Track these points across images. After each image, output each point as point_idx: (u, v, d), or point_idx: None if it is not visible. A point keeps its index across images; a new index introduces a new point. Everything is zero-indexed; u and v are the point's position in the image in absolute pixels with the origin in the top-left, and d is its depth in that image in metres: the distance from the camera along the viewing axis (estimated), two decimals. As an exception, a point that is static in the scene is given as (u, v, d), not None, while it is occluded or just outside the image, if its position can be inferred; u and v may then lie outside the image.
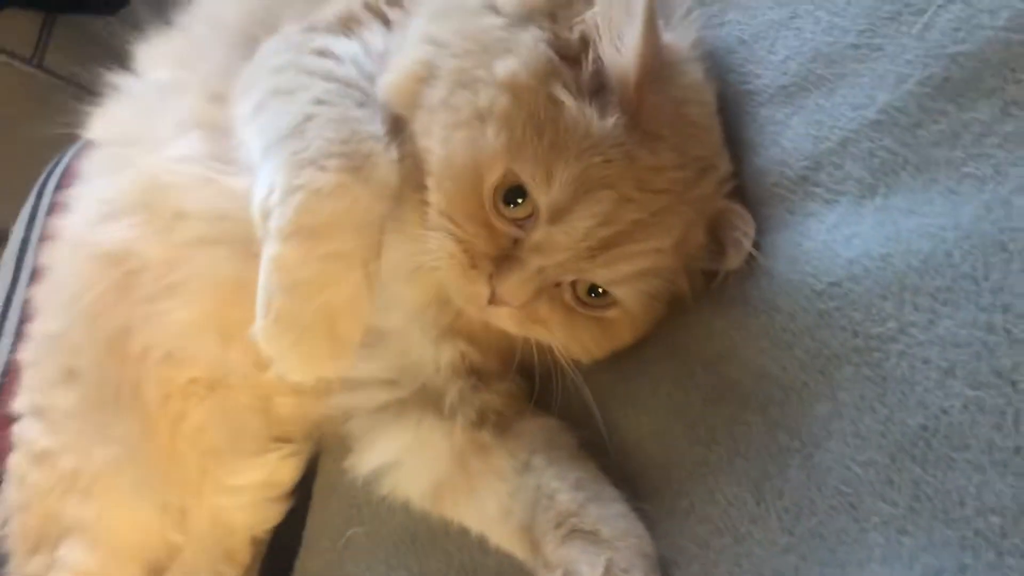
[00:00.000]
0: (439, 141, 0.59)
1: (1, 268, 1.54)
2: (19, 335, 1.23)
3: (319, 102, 0.59)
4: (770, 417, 0.55)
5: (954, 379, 0.48)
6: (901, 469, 0.49)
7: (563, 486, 0.63)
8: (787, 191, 0.59)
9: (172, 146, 0.73)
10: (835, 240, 0.55)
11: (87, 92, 0.85)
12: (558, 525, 0.61)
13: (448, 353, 0.72)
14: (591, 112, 0.57)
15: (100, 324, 0.79)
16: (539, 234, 0.58)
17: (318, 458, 0.85)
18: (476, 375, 0.72)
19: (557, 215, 0.57)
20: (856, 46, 0.57)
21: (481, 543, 0.67)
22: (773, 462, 0.54)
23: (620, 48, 0.57)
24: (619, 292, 0.61)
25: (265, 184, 0.56)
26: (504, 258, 0.59)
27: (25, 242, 1.50)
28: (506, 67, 0.58)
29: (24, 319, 1.21)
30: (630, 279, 0.60)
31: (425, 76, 0.60)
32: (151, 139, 0.76)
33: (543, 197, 0.57)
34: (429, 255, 0.61)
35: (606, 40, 0.57)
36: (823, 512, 0.51)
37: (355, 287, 0.56)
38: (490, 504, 0.66)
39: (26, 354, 0.91)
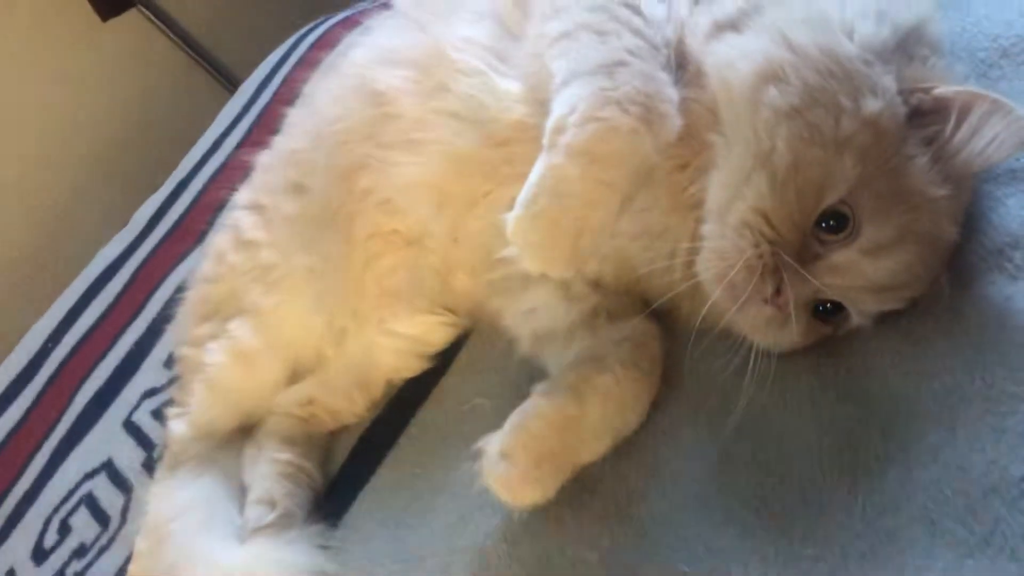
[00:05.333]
0: (787, 147, 0.63)
1: (234, 98, 1.72)
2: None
3: (631, 53, 0.66)
4: (888, 429, 0.63)
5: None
6: (988, 506, 0.56)
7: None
8: (979, 258, 0.66)
9: (464, 27, 0.84)
10: (1008, 307, 0.62)
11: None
12: None
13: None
14: (933, 176, 0.63)
15: (341, 153, 0.91)
16: (842, 257, 0.64)
17: (467, 337, 0.95)
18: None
19: (874, 249, 0.63)
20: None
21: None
22: (877, 464, 0.62)
23: (978, 147, 0.63)
24: (863, 320, 0.67)
25: (567, 104, 0.64)
26: (788, 266, 0.64)
27: (262, 87, 1.66)
28: (873, 107, 0.62)
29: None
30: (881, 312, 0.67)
31: (774, 77, 0.64)
32: (449, 16, 0.86)
33: (869, 230, 0.63)
34: (717, 243, 0.66)
35: (966, 130, 0.63)
36: (905, 519, 0.58)
37: (609, 214, 0.64)
38: None
39: (263, 158, 1.04)
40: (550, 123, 0.65)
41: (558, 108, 0.65)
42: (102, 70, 2.34)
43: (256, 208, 1.01)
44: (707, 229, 0.68)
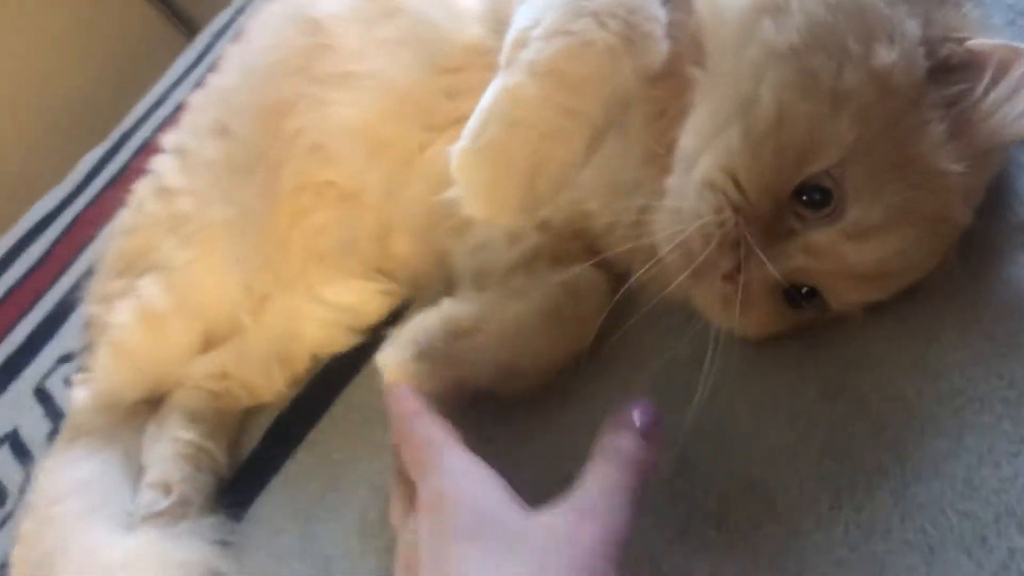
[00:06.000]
0: (773, 96, 0.51)
1: (190, 48, 1.61)
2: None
3: None
4: (883, 436, 0.52)
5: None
6: (1001, 533, 0.45)
7: None
8: (999, 233, 0.55)
9: None
10: (1026, 291, 0.51)
11: None
12: None
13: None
14: (950, 148, 0.51)
15: (269, 88, 0.80)
16: (821, 237, 0.52)
17: (405, 308, 0.84)
18: None
19: (859, 233, 0.51)
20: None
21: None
22: (865, 477, 0.51)
23: (1013, 113, 0.51)
24: (842, 309, 0.56)
25: (531, 15, 0.53)
26: (759, 239, 0.52)
27: (218, 36, 1.55)
28: (886, 58, 0.50)
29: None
30: (864, 302, 0.55)
31: (773, 8, 0.53)
32: None
33: (856, 209, 0.51)
34: (676, 202, 0.55)
35: (1003, 91, 0.51)
36: (896, 543, 0.47)
37: (574, 152, 0.53)
38: None
39: (194, 98, 0.93)
40: (509, 36, 0.53)
41: (521, 19, 0.54)
42: (64, 21, 2.22)
43: (179, 152, 0.90)
44: (670, 182, 0.56)
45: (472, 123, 0.52)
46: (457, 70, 0.69)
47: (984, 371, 0.50)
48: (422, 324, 0.63)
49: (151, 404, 0.88)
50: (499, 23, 0.60)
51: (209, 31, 1.59)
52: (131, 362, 0.86)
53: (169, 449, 0.81)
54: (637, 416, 0.51)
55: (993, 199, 0.56)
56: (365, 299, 0.83)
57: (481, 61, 0.65)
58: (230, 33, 1.50)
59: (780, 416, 0.56)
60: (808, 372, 0.57)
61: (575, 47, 0.51)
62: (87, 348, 0.93)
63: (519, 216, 0.54)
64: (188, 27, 2.33)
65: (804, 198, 0.52)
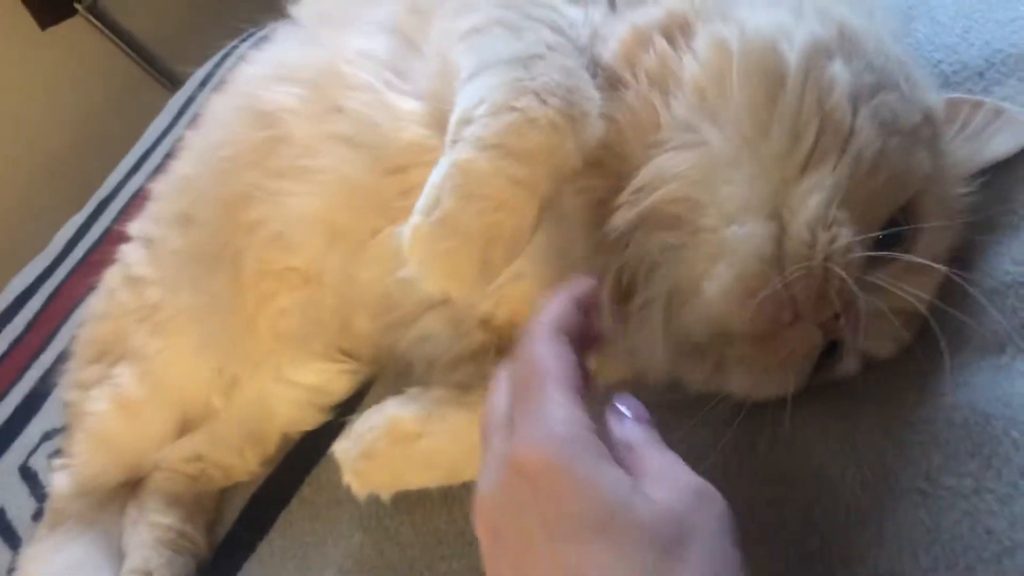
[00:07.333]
0: (874, 130, 0.53)
1: (163, 112, 1.62)
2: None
3: (550, 48, 0.57)
4: (810, 517, 0.54)
5: (1011, 560, 0.46)
6: (921, 625, 0.47)
7: None
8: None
9: (359, 39, 0.75)
10: (945, 380, 0.53)
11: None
12: None
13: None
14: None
15: (228, 181, 0.82)
16: (891, 272, 0.53)
17: (370, 385, 0.86)
18: None
19: (921, 265, 0.53)
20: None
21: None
22: (797, 560, 0.53)
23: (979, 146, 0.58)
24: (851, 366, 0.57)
25: (475, 96, 0.55)
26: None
27: (193, 97, 1.57)
28: (929, 98, 0.58)
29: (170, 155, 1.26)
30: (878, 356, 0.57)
31: (827, 51, 0.55)
32: (346, 28, 0.77)
33: (926, 239, 0.54)
34: (763, 247, 0.51)
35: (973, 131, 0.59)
36: (824, 631, 0.50)
37: (526, 221, 0.54)
38: None
39: (158, 186, 0.95)
40: (454, 117, 0.55)
41: (465, 100, 0.55)
42: (43, 79, 2.24)
43: (145, 240, 0.92)
44: (735, 232, 0.53)
45: (423, 200, 0.53)
46: (403, 169, 0.70)
47: (904, 460, 0.52)
48: (368, 423, 0.67)
49: (130, 486, 0.90)
50: (441, 123, 0.61)
51: (180, 97, 1.60)
52: (108, 449, 0.88)
53: (148, 535, 0.83)
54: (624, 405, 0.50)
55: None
56: (331, 379, 0.86)
57: (424, 159, 0.67)
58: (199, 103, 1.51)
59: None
60: (744, 453, 0.59)
61: (520, 122, 0.53)
62: (66, 430, 0.96)
63: (477, 286, 0.55)
64: (170, 79, 2.35)
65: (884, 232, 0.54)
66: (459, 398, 0.67)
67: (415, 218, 0.53)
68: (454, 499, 0.70)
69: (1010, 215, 0.57)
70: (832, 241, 0.51)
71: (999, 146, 0.58)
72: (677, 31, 0.60)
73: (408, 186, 0.70)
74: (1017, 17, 0.66)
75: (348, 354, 0.86)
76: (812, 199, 0.51)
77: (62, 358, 1.18)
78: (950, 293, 0.56)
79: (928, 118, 0.55)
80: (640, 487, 0.41)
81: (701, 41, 0.58)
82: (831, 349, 0.55)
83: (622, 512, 0.39)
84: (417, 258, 0.53)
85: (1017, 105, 0.60)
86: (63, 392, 0.99)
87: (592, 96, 0.56)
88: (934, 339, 0.55)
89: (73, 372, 0.95)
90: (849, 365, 0.56)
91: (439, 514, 0.70)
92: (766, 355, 0.54)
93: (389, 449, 0.65)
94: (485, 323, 0.71)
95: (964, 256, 0.58)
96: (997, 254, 0.57)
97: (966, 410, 0.51)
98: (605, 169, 0.59)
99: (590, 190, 0.61)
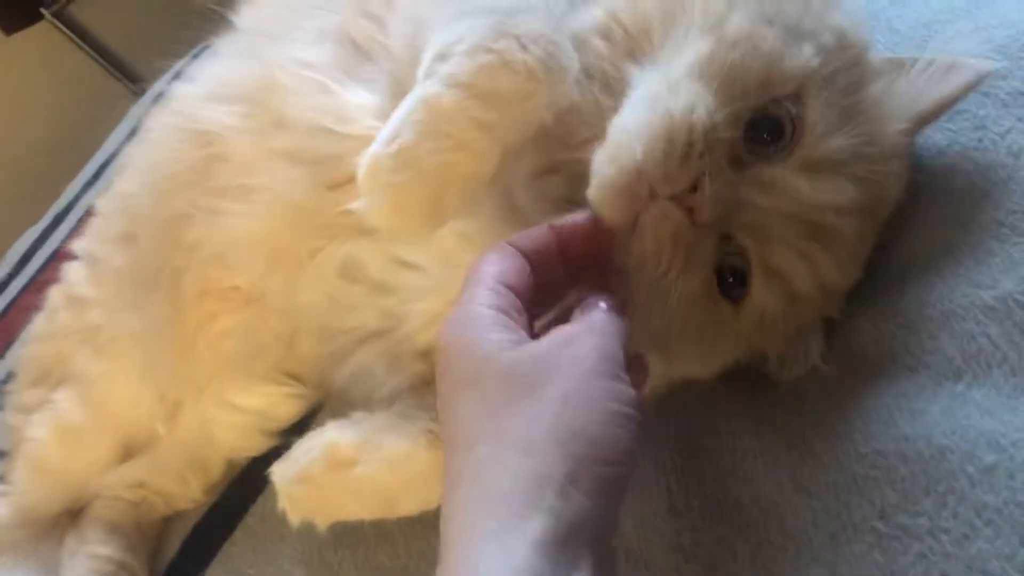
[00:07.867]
0: (744, 16, 0.52)
1: (122, 124, 1.59)
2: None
3: (531, 8, 0.55)
4: (760, 558, 0.51)
5: (967, 603, 0.44)
6: (873, 670, 0.45)
7: None
8: (871, 339, 0.55)
9: (302, 50, 0.71)
10: (899, 408, 0.51)
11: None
12: None
13: None
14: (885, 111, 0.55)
15: (167, 201, 0.79)
16: (776, 173, 0.51)
17: (317, 411, 0.83)
18: None
19: (814, 164, 0.51)
20: (1000, 223, 0.53)
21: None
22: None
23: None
24: (767, 300, 0.54)
25: (454, 34, 0.53)
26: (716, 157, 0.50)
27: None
28: (839, 19, 0.56)
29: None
30: (793, 282, 0.53)
31: None
32: (287, 39, 0.73)
33: (815, 139, 0.52)
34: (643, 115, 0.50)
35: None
36: None
37: (484, 167, 0.52)
38: None
39: (102, 203, 0.92)
40: (430, 52, 0.53)
41: (442, 38, 0.53)
42: (9, 86, 2.21)
43: (88, 259, 0.88)
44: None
45: (385, 130, 0.52)
46: (348, 181, 0.67)
47: (858, 498, 0.49)
48: (305, 446, 0.64)
49: (71, 515, 0.87)
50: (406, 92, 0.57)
51: (140, 107, 1.56)
52: (48, 477, 0.85)
53: (86, 566, 0.80)
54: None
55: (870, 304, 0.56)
56: (275, 403, 0.83)
57: None
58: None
59: (662, 532, 0.55)
60: (689, 484, 0.57)
61: (496, 64, 0.51)
62: (6, 457, 0.93)
63: (425, 226, 0.53)
64: (138, 85, 2.31)
65: (754, 129, 0.52)
66: (400, 426, 0.64)
67: (374, 146, 0.52)
68: (400, 534, 0.67)
69: (967, 236, 0.54)
70: (691, 103, 0.50)
71: (947, 85, 0.56)
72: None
73: (350, 201, 0.67)
74: (978, 28, 0.63)
75: (295, 377, 0.83)
76: (675, 64, 0.53)
77: (9, 378, 1.16)
78: (903, 313, 0.54)
79: (834, 30, 0.54)
80: (523, 345, 0.45)
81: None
82: (741, 282, 0.53)
83: (488, 365, 0.44)
84: (367, 189, 0.52)
85: (973, 112, 0.58)
86: (6, 415, 0.96)
87: (572, 56, 0.54)
88: (885, 363, 0.53)
89: (15, 394, 0.92)
90: (764, 295, 0.53)
91: (382, 549, 0.67)
92: (644, 259, 0.51)
93: (324, 475, 0.62)
94: (424, 355, 0.69)
95: (919, 275, 0.55)
96: (955, 275, 0.54)
97: (920, 442, 0.49)
98: (567, 135, 0.56)
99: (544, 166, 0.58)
